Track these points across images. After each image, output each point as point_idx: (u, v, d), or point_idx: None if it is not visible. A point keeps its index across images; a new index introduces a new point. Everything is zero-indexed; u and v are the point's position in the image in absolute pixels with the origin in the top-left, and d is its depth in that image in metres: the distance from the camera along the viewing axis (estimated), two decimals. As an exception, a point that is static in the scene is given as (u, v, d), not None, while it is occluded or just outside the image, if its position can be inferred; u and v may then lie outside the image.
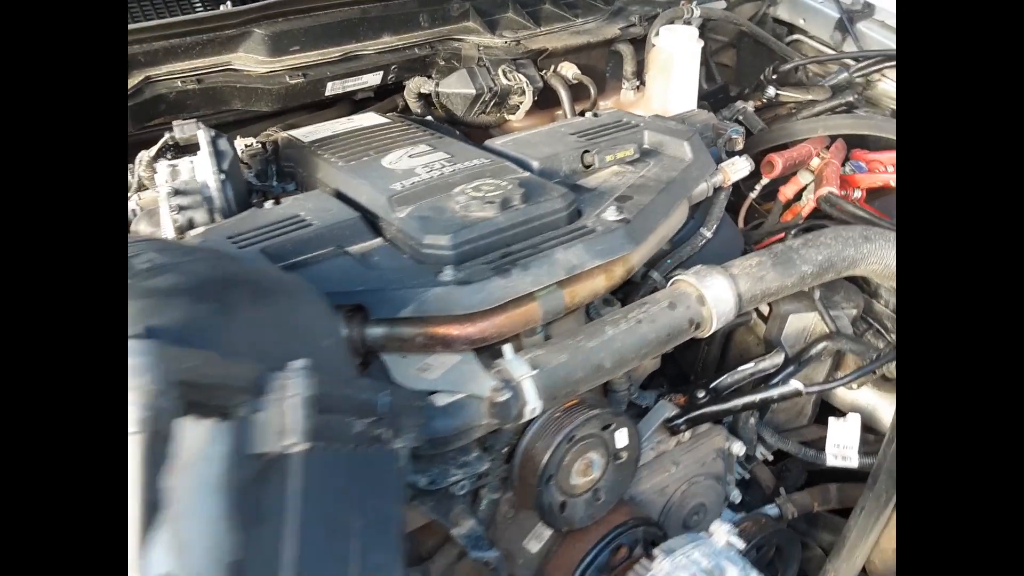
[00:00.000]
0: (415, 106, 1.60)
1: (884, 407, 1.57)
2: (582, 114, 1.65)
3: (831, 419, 1.46)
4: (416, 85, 1.56)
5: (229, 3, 1.43)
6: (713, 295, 1.08)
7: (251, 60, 1.41)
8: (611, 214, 1.09)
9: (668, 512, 1.33)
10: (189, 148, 1.27)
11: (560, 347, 1.01)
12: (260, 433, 0.58)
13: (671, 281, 1.13)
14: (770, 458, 1.53)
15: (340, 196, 1.18)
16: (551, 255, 1.02)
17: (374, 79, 1.53)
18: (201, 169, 1.14)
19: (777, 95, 1.87)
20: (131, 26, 1.32)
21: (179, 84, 1.34)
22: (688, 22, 1.76)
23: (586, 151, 1.26)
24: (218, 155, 1.15)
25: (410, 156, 1.24)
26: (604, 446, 1.11)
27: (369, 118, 1.46)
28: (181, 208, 1.09)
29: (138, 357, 0.49)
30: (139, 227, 1.19)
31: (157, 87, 1.33)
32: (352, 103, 1.63)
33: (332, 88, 1.49)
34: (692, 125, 1.41)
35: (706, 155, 1.30)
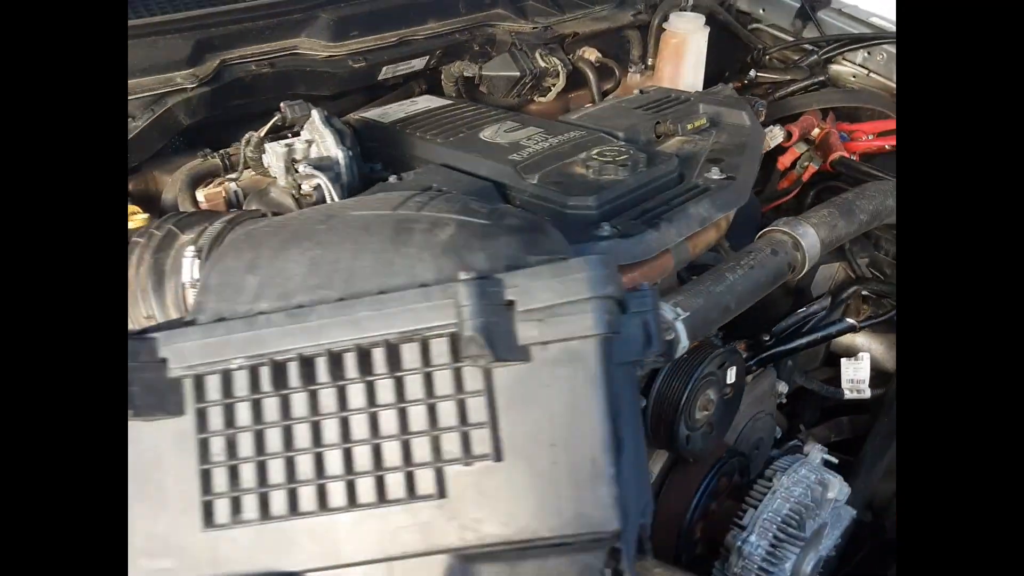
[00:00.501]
0: (451, 89, 1.65)
1: (877, 347, 1.80)
2: (605, 95, 1.77)
3: (843, 360, 1.66)
4: (459, 69, 1.62)
5: None
6: (808, 242, 1.23)
7: (316, 44, 1.42)
8: (715, 173, 1.22)
9: (738, 445, 1.47)
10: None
11: (694, 292, 1.13)
12: (630, 344, 0.65)
13: (763, 231, 1.27)
14: (784, 401, 1.71)
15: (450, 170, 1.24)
16: (685, 210, 1.13)
17: (420, 64, 1.58)
18: (326, 146, 1.16)
19: (756, 76, 2.06)
20: (207, 10, 1.31)
21: (253, 68, 1.34)
22: (684, 8, 1.92)
23: (658, 122, 1.38)
24: (339, 133, 1.18)
25: (506, 131, 1.31)
26: (718, 383, 1.24)
27: (430, 100, 1.52)
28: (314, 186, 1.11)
29: (597, 270, 0.56)
30: (251, 207, 1.19)
31: (234, 71, 1.32)
32: (367, 90, 1.66)
33: (385, 73, 1.52)
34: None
35: (758, 123, 1.46)
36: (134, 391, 0.59)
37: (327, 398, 0.61)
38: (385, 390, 0.60)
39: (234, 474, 0.60)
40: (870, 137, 1.87)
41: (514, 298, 0.58)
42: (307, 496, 0.60)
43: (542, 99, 1.71)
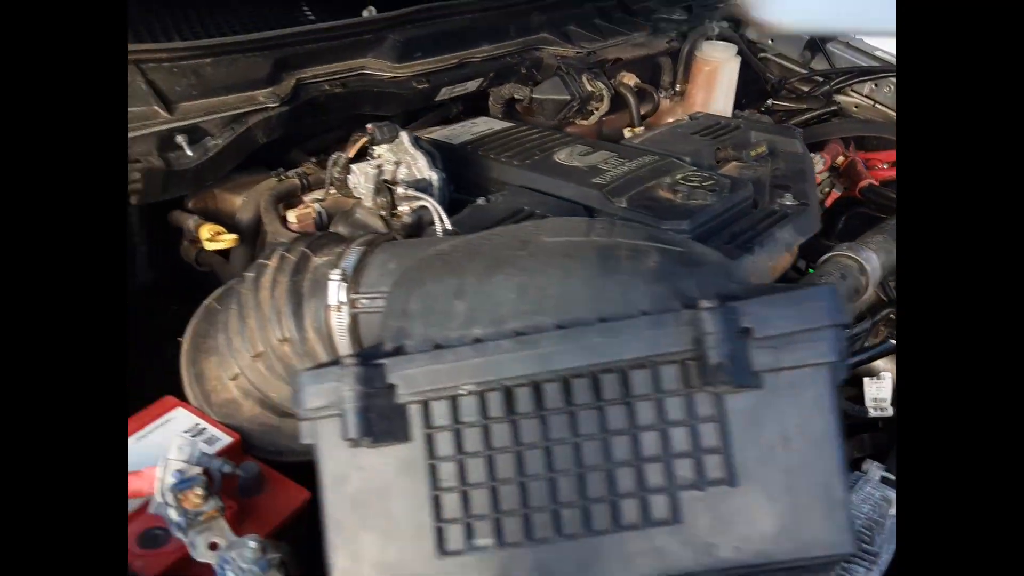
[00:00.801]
0: (497, 111, 1.67)
1: (894, 368, 1.88)
2: (643, 119, 1.82)
3: (866, 379, 1.73)
4: (509, 91, 1.64)
5: (373, 9, 1.43)
6: (871, 266, 1.29)
7: (382, 65, 1.42)
8: (789, 199, 1.26)
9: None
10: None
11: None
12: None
13: (827, 256, 1.32)
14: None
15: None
16: (773, 234, 1.16)
17: (473, 86, 1.59)
18: (419, 168, 1.17)
19: (772, 104, 2.14)
20: (285, 31, 1.31)
21: (326, 87, 1.34)
22: (709, 37, 1.99)
23: (718, 148, 1.43)
24: (430, 155, 1.18)
25: (580, 155, 1.34)
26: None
27: (489, 121, 1.53)
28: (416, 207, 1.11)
29: (833, 298, 0.59)
30: (337, 228, 1.18)
31: (309, 90, 1.31)
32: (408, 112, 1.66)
33: (442, 94, 1.53)
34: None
35: (807, 150, 1.51)
36: (371, 417, 0.59)
37: (558, 424, 0.61)
38: (616, 416, 0.61)
39: (466, 500, 0.61)
40: (885, 166, 1.95)
41: (751, 325, 0.60)
42: (541, 522, 0.60)
43: (584, 122, 1.74)
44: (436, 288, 0.67)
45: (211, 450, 0.90)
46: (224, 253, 1.24)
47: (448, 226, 1.05)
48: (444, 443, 0.61)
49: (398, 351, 0.64)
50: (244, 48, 1.25)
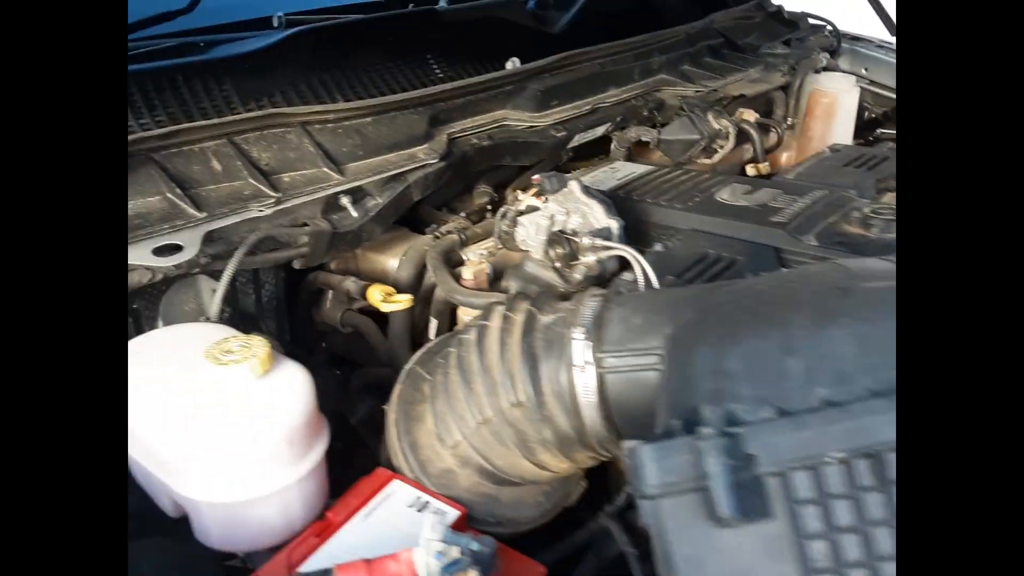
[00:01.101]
0: (620, 155, 1.63)
1: None
2: (767, 153, 1.77)
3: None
4: (636, 134, 1.60)
5: (517, 61, 1.41)
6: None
7: (521, 115, 1.39)
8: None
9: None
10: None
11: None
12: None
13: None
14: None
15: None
16: (976, 265, 1.10)
17: (602, 130, 1.56)
18: (596, 216, 1.12)
19: (880, 133, 2.08)
20: (441, 87, 1.28)
21: (475, 141, 1.30)
22: (817, 70, 1.95)
23: (878, 178, 1.37)
24: (605, 203, 1.14)
25: (744, 193, 1.28)
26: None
27: (629, 166, 1.49)
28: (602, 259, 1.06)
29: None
30: (508, 282, 1.13)
31: (459, 144, 1.28)
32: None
33: (575, 141, 1.50)
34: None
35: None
36: (741, 493, 0.53)
37: (939, 490, 0.55)
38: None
39: (845, 582, 0.54)
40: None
41: None
42: (935, 603, 0.53)
43: (706, 160, 1.69)
44: (757, 344, 0.61)
45: (444, 528, 0.83)
46: (373, 313, 1.19)
47: (653, 276, 0.99)
48: (812, 518, 0.54)
49: (731, 416, 0.57)
50: (402, 106, 1.22)
